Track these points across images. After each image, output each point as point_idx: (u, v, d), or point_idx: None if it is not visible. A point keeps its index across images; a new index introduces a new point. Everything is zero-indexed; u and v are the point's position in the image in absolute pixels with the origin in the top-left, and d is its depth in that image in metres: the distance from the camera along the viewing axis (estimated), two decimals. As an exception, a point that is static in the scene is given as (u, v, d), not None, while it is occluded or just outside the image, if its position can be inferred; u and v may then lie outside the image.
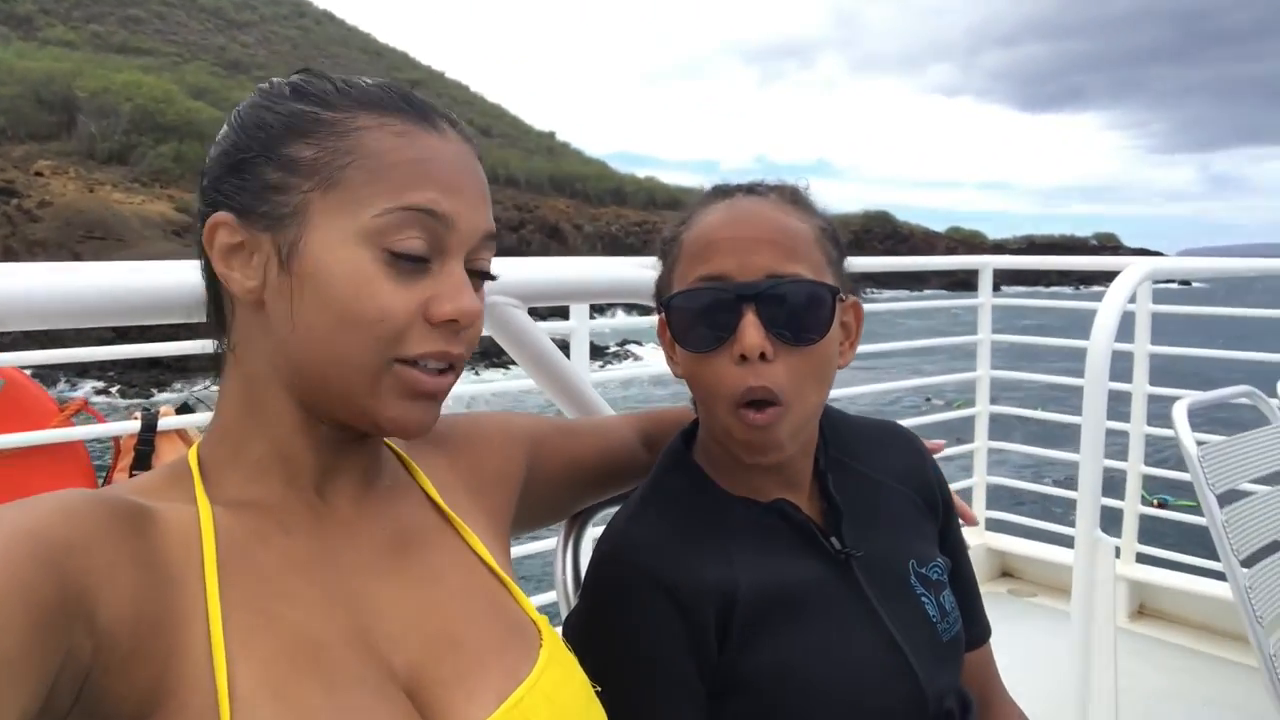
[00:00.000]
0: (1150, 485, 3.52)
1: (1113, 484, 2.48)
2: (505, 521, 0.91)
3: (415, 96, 0.74)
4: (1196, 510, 3.15)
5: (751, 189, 0.97)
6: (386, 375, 0.70)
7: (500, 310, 1.18)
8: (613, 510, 1.05)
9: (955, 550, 1.10)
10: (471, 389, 4.29)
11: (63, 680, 0.54)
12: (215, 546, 0.65)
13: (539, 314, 1.27)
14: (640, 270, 1.17)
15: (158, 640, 0.59)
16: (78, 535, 0.57)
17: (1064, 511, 3.91)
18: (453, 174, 0.72)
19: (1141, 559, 3.49)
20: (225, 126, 0.74)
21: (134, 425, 2.28)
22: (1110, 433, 2.12)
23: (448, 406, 0.79)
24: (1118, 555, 2.75)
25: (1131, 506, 3.48)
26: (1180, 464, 1.95)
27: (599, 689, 0.80)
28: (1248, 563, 1.86)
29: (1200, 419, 1.97)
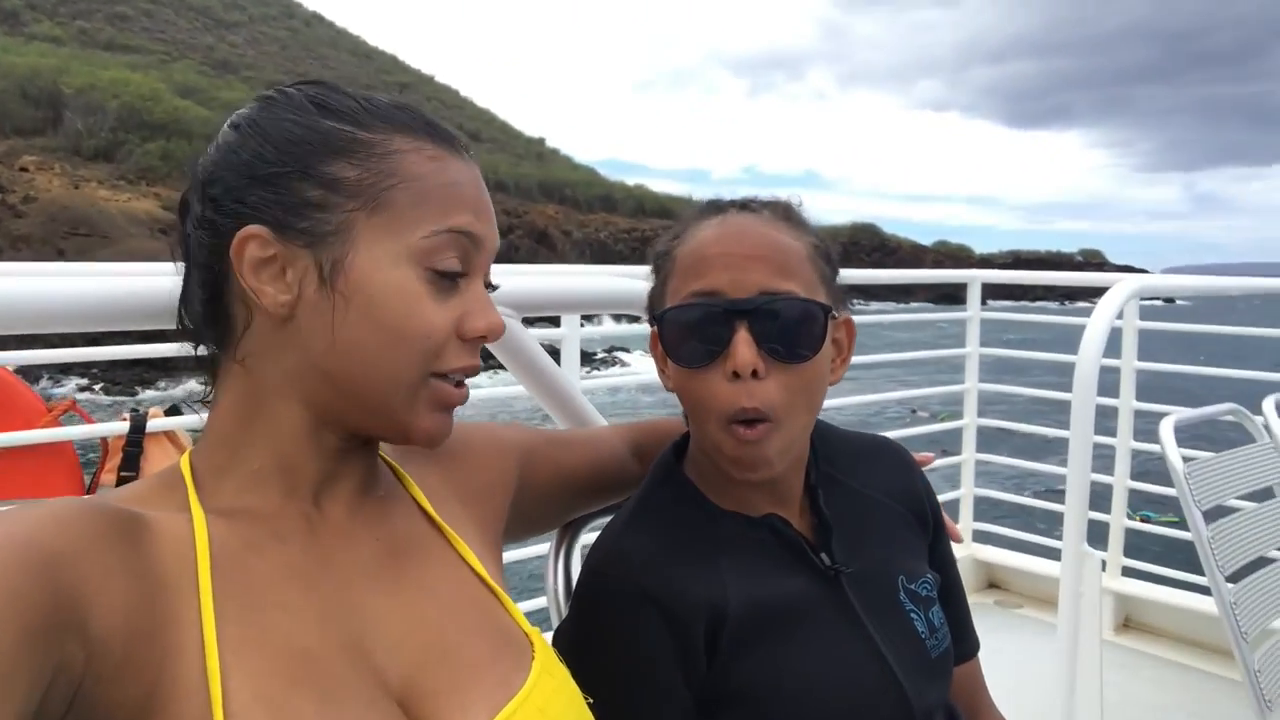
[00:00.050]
0: (1135, 500, 3.54)
1: (1098, 497, 2.50)
2: (497, 532, 0.91)
3: (434, 120, 0.77)
4: (1179, 526, 3.18)
5: (745, 205, 0.97)
6: (423, 389, 0.73)
7: (498, 320, 1.17)
8: (605, 519, 1.05)
9: (944, 565, 1.10)
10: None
11: (55, 690, 0.53)
12: (209, 556, 0.65)
13: (529, 320, 1.27)
14: (634, 281, 1.17)
15: (151, 650, 0.59)
16: (70, 544, 0.57)
17: (1050, 524, 3.92)
18: (477, 196, 0.76)
19: (1127, 572, 3.51)
20: (236, 134, 0.72)
21: (122, 426, 2.26)
22: (1096, 446, 2.14)
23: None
24: (1104, 568, 2.77)
25: (1117, 520, 3.50)
26: (1164, 478, 1.97)
27: (590, 701, 0.79)
28: (1233, 578, 1.87)
29: (1185, 435, 1.98)
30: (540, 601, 2.08)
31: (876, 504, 1.05)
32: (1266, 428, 2.19)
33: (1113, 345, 2.12)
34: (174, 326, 0.77)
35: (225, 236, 0.70)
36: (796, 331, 0.90)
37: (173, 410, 2.39)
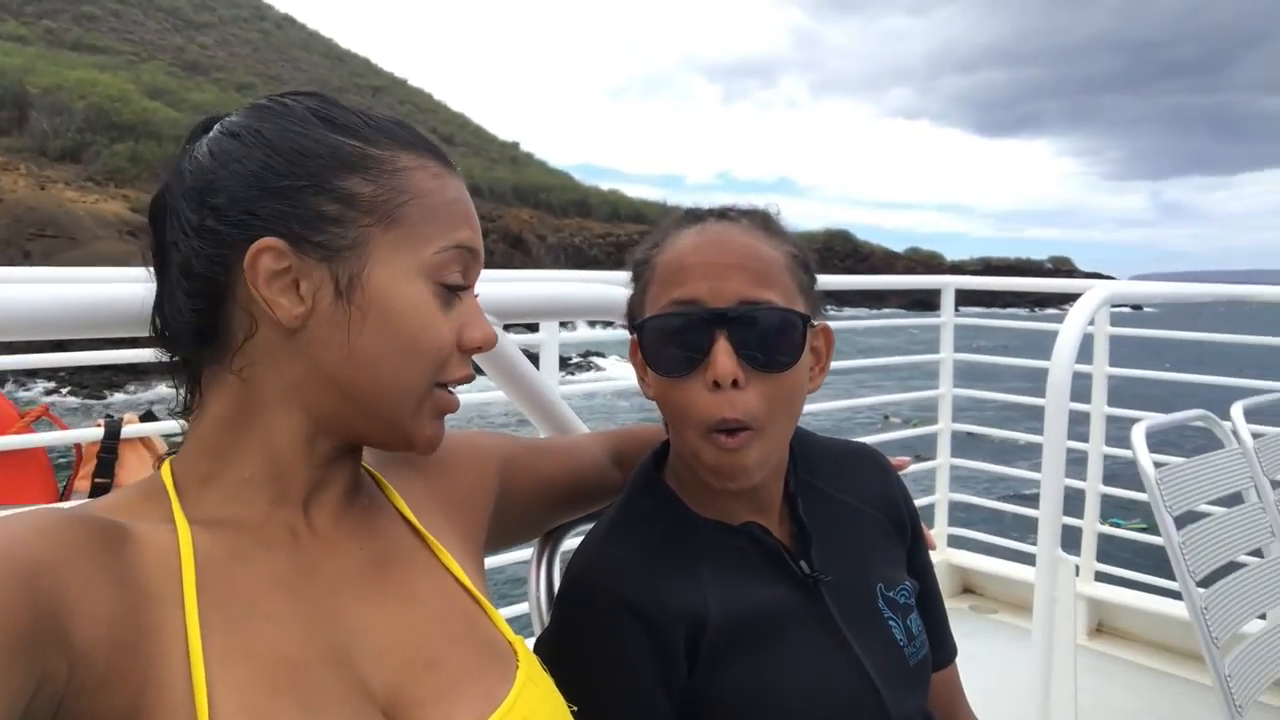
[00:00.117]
0: (1104, 505, 3.58)
1: (1071, 502, 2.53)
2: (478, 541, 0.91)
3: (428, 137, 0.79)
4: (1147, 532, 3.22)
5: (724, 214, 0.97)
6: (429, 399, 0.76)
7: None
8: (587, 526, 1.05)
9: (922, 571, 1.11)
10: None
11: (38, 702, 0.53)
12: (194, 565, 0.64)
13: (507, 325, 1.27)
14: (615, 289, 1.16)
15: (134, 661, 0.58)
16: (52, 554, 0.56)
17: (1023, 529, 3.97)
18: (471, 212, 0.79)
19: (1100, 577, 3.55)
20: (237, 143, 0.71)
21: (97, 432, 2.23)
22: (1069, 452, 2.16)
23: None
24: (1077, 573, 2.80)
25: (1090, 525, 3.54)
26: (1135, 483, 1.99)
27: (574, 709, 0.79)
28: (1204, 583, 1.89)
29: (1155, 440, 2.01)
30: (521, 608, 2.08)
31: (855, 511, 1.06)
32: (1235, 433, 2.23)
33: (1083, 351, 2.15)
34: (148, 334, 0.76)
35: (232, 247, 0.69)
36: (775, 340, 0.90)
37: (148, 416, 2.36)
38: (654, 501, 0.99)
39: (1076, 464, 3.07)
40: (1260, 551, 2.15)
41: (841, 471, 1.08)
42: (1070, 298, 2.28)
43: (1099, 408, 3.49)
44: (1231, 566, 2.00)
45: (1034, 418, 3.70)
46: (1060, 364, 2.06)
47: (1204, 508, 2.05)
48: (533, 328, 2.53)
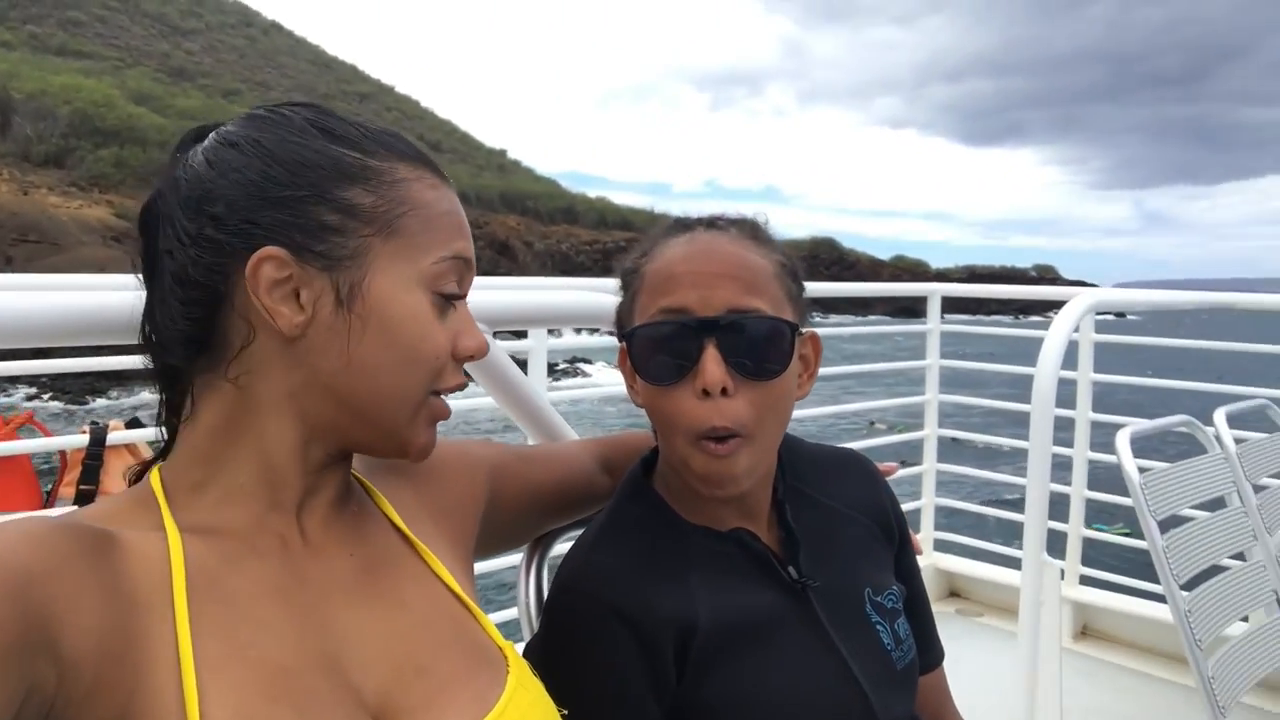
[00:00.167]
0: (1088, 510, 3.60)
1: (1056, 507, 2.55)
2: (468, 547, 0.91)
3: (423, 149, 0.81)
4: (1130, 537, 3.25)
5: (712, 223, 0.98)
6: (425, 406, 0.77)
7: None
8: (577, 532, 1.05)
9: (909, 575, 1.11)
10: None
11: (26, 712, 0.53)
12: (185, 573, 0.64)
13: (496, 332, 1.27)
14: (604, 296, 1.17)
15: (123, 670, 0.58)
16: (41, 563, 0.56)
17: (1007, 533, 3.98)
18: (465, 222, 0.81)
19: (1085, 581, 3.56)
20: (236, 153, 0.72)
21: (82, 439, 2.22)
22: (1053, 456, 2.17)
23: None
24: (1062, 577, 2.81)
25: (1075, 529, 3.56)
26: (1118, 488, 2.00)
27: (564, 714, 0.80)
28: (1187, 586, 1.91)
29: (1139, 446, 2.03)
30: (510, 613, 2.07)
31: (843, 517, 1.06)
32: (1217, 438, 2.25)
33: (1068, 358, 2.17)
34: (136, 341, 0.76)
35: (232, 256, 0.70)
36: (764, 348, 0.91)
37: (134, 423, 2.35)
38: (643, 508, 0.99)
39: (1061, 469, 3.09)
40: (1242, 555, 2.18)
41: (829, 477, 1.09)
42: (1054, 305, 2.30)
43: (1084, 413, 3.51)
44: (1214, 570, 2.02)
45: (1018, 423, 3.73)
46: (1046, 370, 2.08)
47: (1187, 512, 2.07)
48: (521, 334, 2.54)
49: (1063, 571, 3.08)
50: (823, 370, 1.04)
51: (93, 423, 2.31)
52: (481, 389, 1.20)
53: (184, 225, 0.71)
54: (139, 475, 0.75)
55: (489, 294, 1.07)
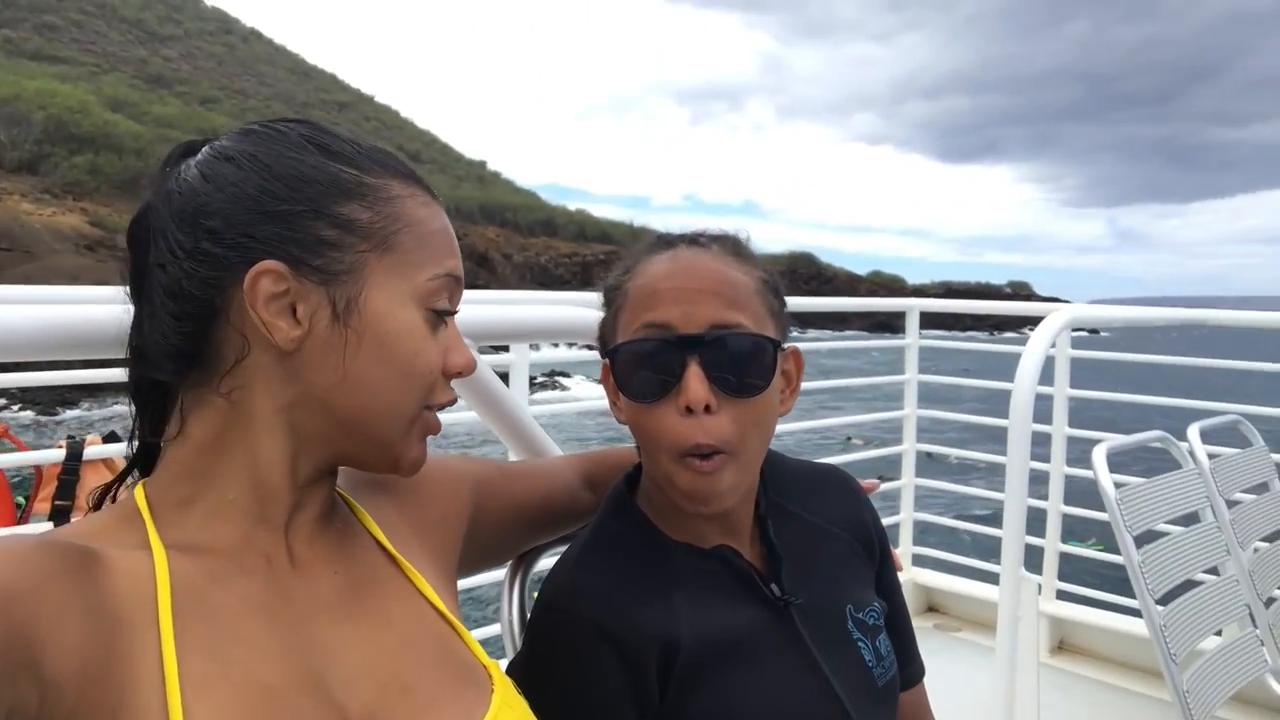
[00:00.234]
0: (1064, 524, 3.63)
1: (1032, 522, 2.56)
2: (451, 564, 0.91)
3: (411, 167, 0.82)
4: (1104, 552, 3.27)
5: (694, 240, 0.98)
6: (418, 421, 0.78)
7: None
8: (562, 547, 1.05)
9: (890, 591, 1.12)
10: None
11: None
12: (170, 592, 0.64)
13: (480, 346, 1.27)
14: (588, 311, 1.17)
15: (106, 690, 0.58)
16: (24, 582, 0.56)
17: (981, 547, 4.00)
18: (455, 240, 0.82)
19: (1061, 596, 3.59)
20: (233, 167, 0.72)
21: (58, 454, 2.18)
22: (1030, 472, 2.19)
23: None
24: (1039, 592, 2.83)
25: (1052, 544, 3.59)
26: (1094, 502, 2.02)
27: None
28: (1162, 601, 1.93)
29: (1114, 461, 2.04)
30: (490, 629, 2.06)
31: (825, 533, 1.06)
32: (1192, 454, 2.28)
33: (1044, 374, 2.19)
34: (123, 356, 0.75)
35: (228, 269, 0.69)
36: (747, 364, 0.91)
37: (110, 437, 2.31)
38: (626, 525, 0.99)
39: (1037, 483, 3.12)
40: (1216, 569, 2.20)
41: (811, 493, 1.09)
42: (1029, 321, 2.32)
43: (1060, 429, 3.54)
44: (1189, 584, 2.04)
45: (992, 438, 3.75)
46: (1023, 386, 2.10)
47: (1162, 527, 2.09)
48: (502, 347, 2.53)
49: (1040, 586, 3.10)
50: (802, 385, 1.04)
51: (69, 437, 2.27)
52: (461, 403, 1.20)
53: (177, 239, 0.70)
54: (102, 498, 0.75)
55: (474, 309, 1.07)
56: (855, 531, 1.09)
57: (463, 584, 1.19)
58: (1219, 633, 2.18)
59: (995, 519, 2.65)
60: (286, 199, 0.71)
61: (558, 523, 1.08)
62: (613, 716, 0.87)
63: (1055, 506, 3.57)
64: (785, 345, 0.97)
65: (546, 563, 1.07)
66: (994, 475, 3.36)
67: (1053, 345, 2.28)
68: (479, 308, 1.24)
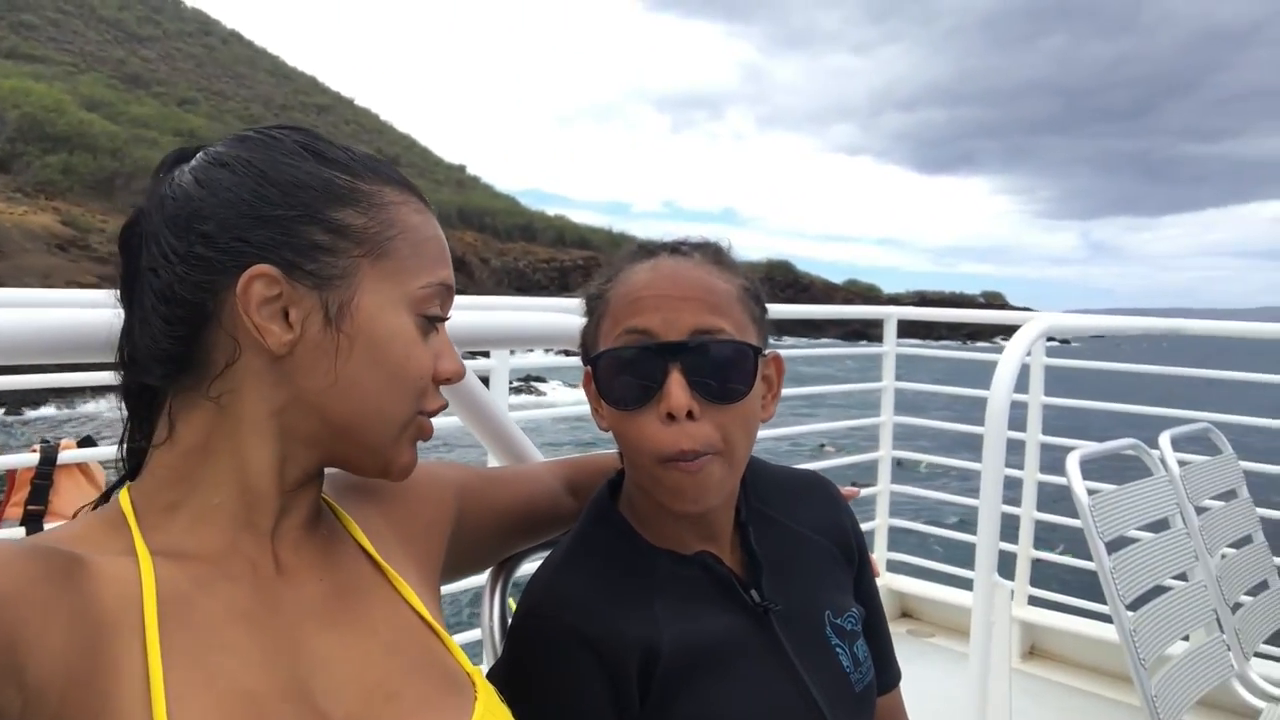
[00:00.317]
0: (1037, 530, 3.67)
1: (1005, 528, 2.60)
2: (435, 570, 0.91)
3: (406, 176, 0.82)
4: (1079, 556, 3.31)
5: (676, 248, 0.99)
6: (410, 426, 0.79)
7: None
8: (543, 552, 1.05)
9: (868, 597, 1.13)
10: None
11: None
12: (156, 598, 0.64)
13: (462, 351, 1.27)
14: (571, 317, 1.18)
15: (90, 696, 0.57)
16: (8, 587, 0.55)
17: (955, 552, 4.03)
18: (447, 248, 0.82)
19: (1033, 601, 3.62)
20: (227, 172, 0.72)
21: (31, 458, 2.13)
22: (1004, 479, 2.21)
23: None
24: (1012, 598, 2.86)
25: (1024, 550, 3.62)
26: (1065, 509, 2.04)
27: None
28: (1132, 606, 1.96)
29: (1087, 468, 2.07)
30: (470, 635, 2.06)
31: (805, 540, 1.07)
32: (1162, 461, 2.31)
33: (1019, 382, 2.22)
34: (113, 360, 0.75)
35: (221, 273, 0.70)
36: (728, 370, 0.92)
37: (85, 441, 2.27)
38: (608, 532, 0.99)
39: (1010, 489, 3.15)
40: (1185, 575, 2.24)
41: (792, 499, 1.10)
42: (1002, 330, 2.34)
43: (1034, 436, 3.57)
44: (1158, 590, 2.07)
45: (964, 445, 3.78)
46: (999, 393, 2.12)
47: (1133, 533, 2.11)
48: (482, 352, 2.52)
49: (1012, 592, 3.13)
50: (781, 391, 1.05)
51: (43, 440, 2.22)
52: (453, 410, 1.20)
53: (170, 243, 0.70)
54: (100, 503, 0.74)
55: (457, 314, 1.08)
56: (835, 537, 1.10)
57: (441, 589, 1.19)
58: (1187, 638, 2.21)
59: (968, 525, 2.68)
60: (281, 204, 0.71)
61: (541, 529, 1.08)
62: None
63: (1028, 513, 3.60)
64: (766, 351, 0.98)
65: (527, 569, 1.07)
66: (967, 481, 3.39)
67: (1028, 353, 2.30)
68: (462, 313, 1.25)
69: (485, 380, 2.38)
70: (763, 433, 1.02)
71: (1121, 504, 2.08)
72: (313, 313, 0.71)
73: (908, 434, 4.09)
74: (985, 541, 2.11)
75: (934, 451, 4.44)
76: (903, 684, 1.18)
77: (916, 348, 4.37)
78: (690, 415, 0.89)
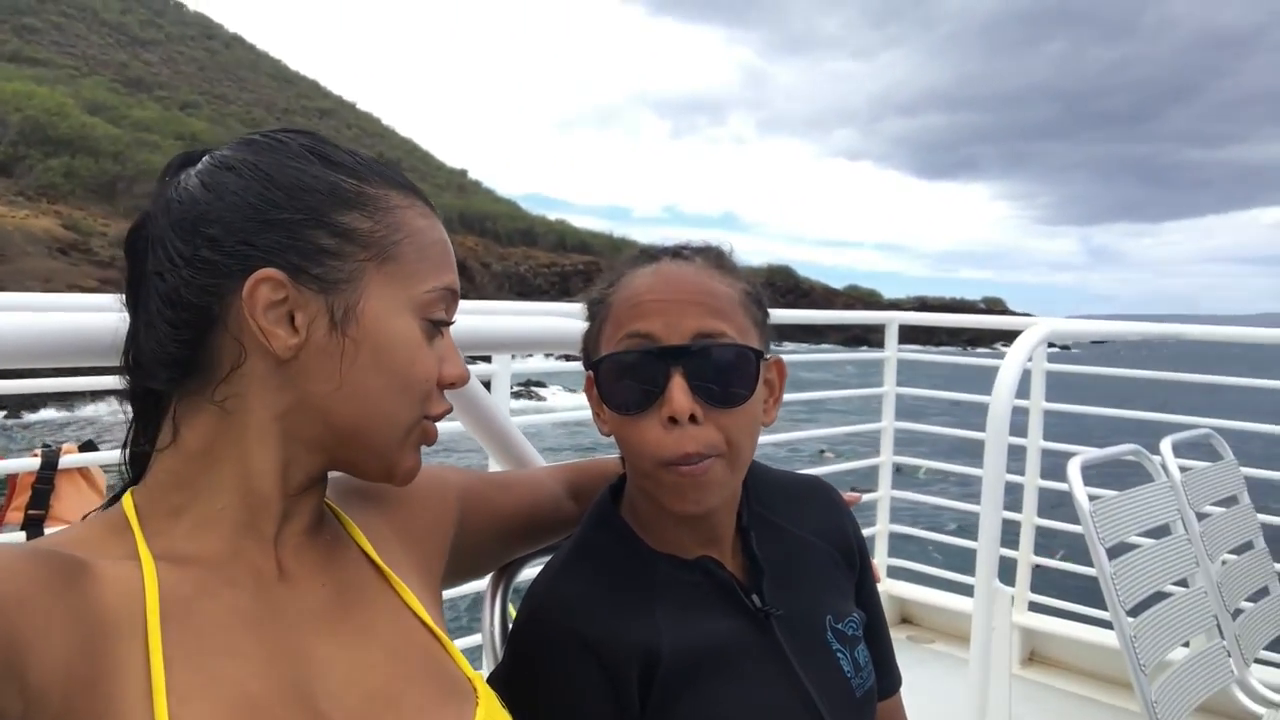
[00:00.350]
0: (1038, 536, 3.66)
1: (1005, 534, 2.59)
2: (437, 575, 0.91)
3: (411, 181, 0.82)
4: (1080, 562, 3.30)
5: (677, 252, 0.99)
6: (415, 430, 0.79)
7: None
8: (544, 557, 1.05)
9: (869, 602, 1.13)
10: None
11: None
12: (159, 602, 0.64)
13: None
14: (574, 322, 1.19)
15: (92, 700, 0.57)
16: (10, 591, 0.56)
17: (956, 558, 4.03)
18: (452, 252, 0.82)
19: (1033, 607, 3.62)
20: (234, 176, 0.72)
21: (33, 463, 2.13)
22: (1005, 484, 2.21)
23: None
24: (1012, 604, 2.85)
25: (1025, 556, 3.61)
26: (1063, 514, 2.03)
27: None
28: (1133, 612, 1.95)
29: (1088, 474, 2.07)
30: (470, 639, 2.05)
31: (807, 545, 1.07)
32: (1164, 467, 2.31)
33: (1020, 387, 2.22)
34: (118, 364, 0.75)
35: (227, 277, 0.70)
36: (730, 375, 0.92)
37: (87, 446, 2.27)
38: (609, 536, 0.99)
39: (1010, 494, 3.15)
40: (1185, 581, 2.23)
41: (794, 504, 1.10)
42: (1003, 336, 2.34)
43: (1035, 442, 3.56)
44: (1158, 596, 2.06)
45: (964, 451, 3.77)
46: (1000, 399, 2.12)
47: (1134, 539, 2.11)
48: (484, 357, 2.52)
49: (1013, 598, 3.13)
50: (783, 396, 1.05)
51: (45, 445, 2.22)
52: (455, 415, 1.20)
53: (176, 247, 0.70)
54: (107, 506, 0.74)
55: (460, 319, 1.08)
56: (836, 542, 1.10)
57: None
58: (1187, 644, 2.21)
59: (968, 531, 2.67)
60: (287, 207, 0.71)
61: (542, 533, 1.08)
62: None
63: (1028, 518, 3.60)
64: (768, 355, 0.98)
65: (528, 573, 1.07)
66: (967, 486, 3.39)
67: (1029, 359, 2.30)
68: (464, 317, 1.25)
69: (487, 385, 2.39)
70: (763, 438, 1.02)
71: (1123, 509, 2.08)
72: (318, 317, 0.71)
73: (908, 439, 4.09)
74: (986, 547, 2.11)
75: (934, 457, 4.43)
76: (903, 690, 1.18)
77: (917, 353, 4.36)
78: (693, 419, 0.89)
